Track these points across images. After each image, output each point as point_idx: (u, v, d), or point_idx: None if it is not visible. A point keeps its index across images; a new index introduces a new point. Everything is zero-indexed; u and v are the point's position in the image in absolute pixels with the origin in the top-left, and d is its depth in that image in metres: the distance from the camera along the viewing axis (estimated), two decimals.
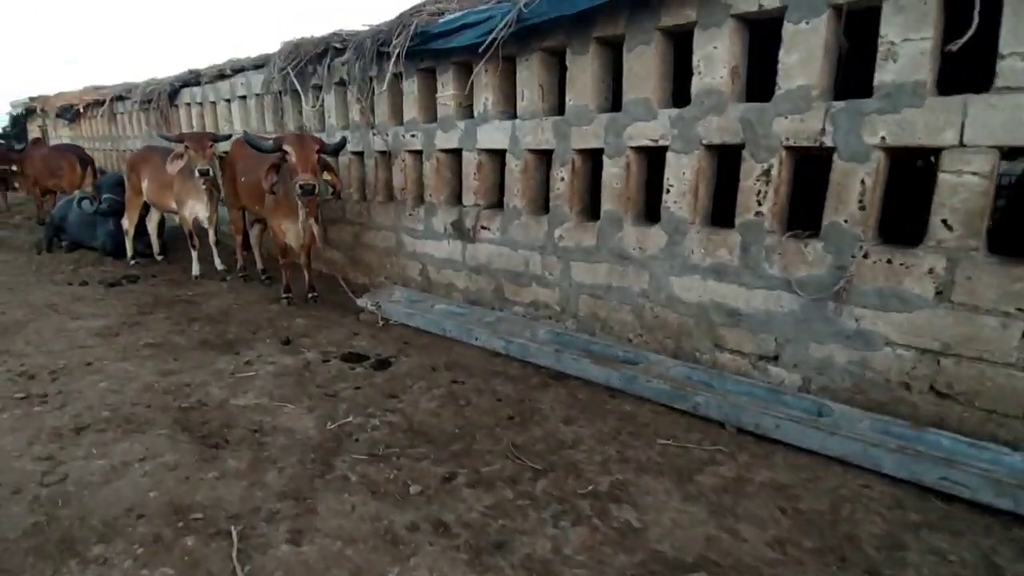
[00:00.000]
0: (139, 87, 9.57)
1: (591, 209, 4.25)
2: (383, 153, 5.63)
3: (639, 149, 3.76)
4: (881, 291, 2.94)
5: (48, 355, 3.91)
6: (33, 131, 15.45)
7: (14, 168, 9.94)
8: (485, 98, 4.54)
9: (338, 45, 5.59)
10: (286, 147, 4.62)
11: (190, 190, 6.14)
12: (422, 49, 4.69)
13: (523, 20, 3.83)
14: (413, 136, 5.21)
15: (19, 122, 16.11)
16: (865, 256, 2.96)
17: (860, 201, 2.95)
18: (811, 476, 2.70)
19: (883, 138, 2.84)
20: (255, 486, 2.50)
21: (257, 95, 7.09)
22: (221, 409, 3.22)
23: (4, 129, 16.98)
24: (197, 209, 6.25)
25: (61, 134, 13.32)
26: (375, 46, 5.10)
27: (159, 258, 7.20)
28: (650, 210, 3.97)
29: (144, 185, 6.56)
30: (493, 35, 3.90)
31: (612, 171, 3.86)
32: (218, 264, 6.68)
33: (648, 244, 3.76)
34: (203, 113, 8.27)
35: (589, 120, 3.92)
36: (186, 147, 5.76)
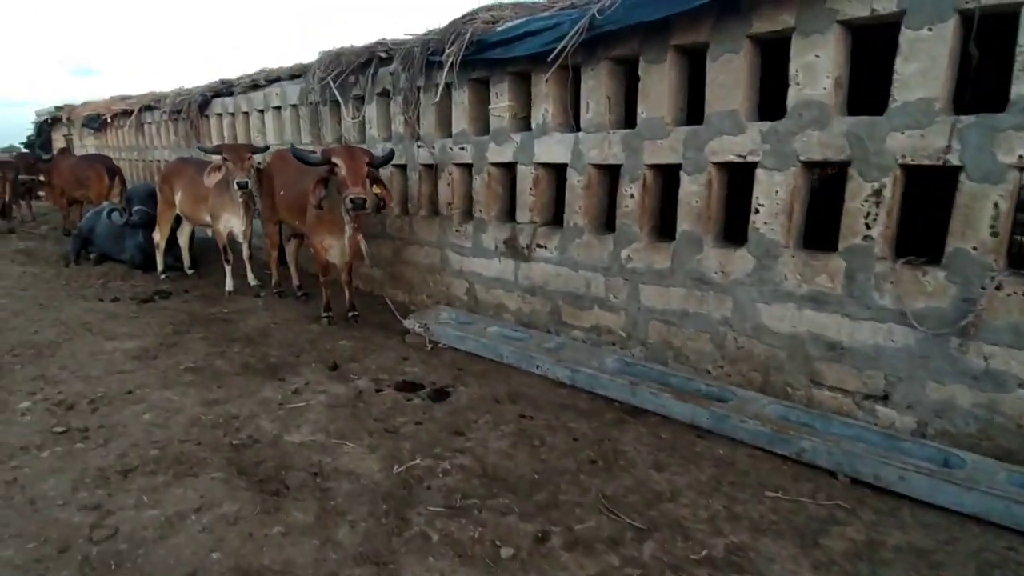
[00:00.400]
0: (168, 97, 9.44)
1: (662, 228, 3.97)
2: (428, 166, 5.39)
3: (722, 165, 3.47)
4: (1016, 327, 2.62)
5: (86, 381, 3.67)
6: (58, 140, 15.46)
7: (40, 178, 9.83)
8: (544, 110, 4.29)
9: (383, 54, 5.37)
10: (335, 160, 4.38)
11: (226, 203, 5.93)
12: (477, 58, 4.45)
13: (596, 28, 3.57)
14: (462, 149, 4.97)
15: (43, 131, 16.12)
16: (998, 288, 2.65)
17: (992, 227, 2.64)
18: (948, 538, 2.38)
19: (1021, 157, 2.54)
20: (327, 545, 2.22)
21: (293, 106, 6.89)
22: (275, 447, 2.95)
23: (29, 138, 17.02)
24: (232, 223, 6.04)
25: (86, 144, 13.26)
26: (424, 55, 4.87)
27: (190, 272, 6.99)
28: (728, 231, 3.68)
29: (177, 198, 6.37)
30: (564, 43, 3.64)
31: (691, 188, 3.57)
32: (251, 279, 6.45)
33: (732, 268, 3.46)
34: (235, 124, 8.10)
35: (665, 134, 3.64)
36: (224, 159, 5.56)
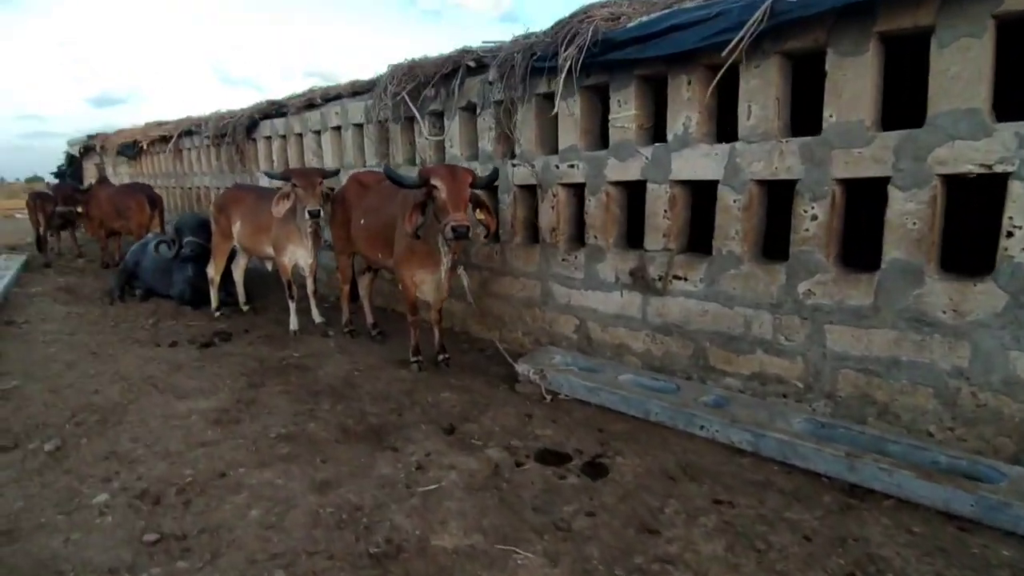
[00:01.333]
0: (209, 120, 8.97)
1: (846, 256, 3.28)
2: (525, 187, 4.76)
3: (951, 177, 2.79)
4: None
5: (167, 459, 3.04)
6: (89, 170, 15.17)
7: (79, 209, 9.39)
8: (686, 118, 3.64)
9: (472, 63, 4.77)
10: (435, 181, 3.76)
11: (291, 234, 5.35)
12: (600, 61, 3.83)
13: (780, 14, 2.93)
14: (571, 167, 4.33)
15: (74, 161, 15.86)
16: None
17: None
18: None
19: None
20: None
21: (356, 125, 6.33)
22: (426, 557, 2.28)
23: (59, 168, 16.77)
24: (298, 255, 5.45)
25: (120, 172, 12.89)
26: (527, 61, 4.26)
27: (245, 309, 6.40)
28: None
29: (235, 228, 5.80)
30: (741, 33, 2.99)
31: (905, 207, 2.89)
32: (316, 317, 5.85)
33: (970, 306, 2.76)
34: (286, 147, 7.57)
35: (865, 140, 2.97)
36: (293, 185, 4.98)
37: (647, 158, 3.87)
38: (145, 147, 10.98)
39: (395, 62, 5.74)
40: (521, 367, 4.00)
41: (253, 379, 4.32)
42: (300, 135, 7.26)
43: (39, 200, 9.82)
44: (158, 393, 3.95)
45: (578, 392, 3.80)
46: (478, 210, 3.97)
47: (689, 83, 3.59)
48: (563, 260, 4.52)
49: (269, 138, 7.85)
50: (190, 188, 10.26)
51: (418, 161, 5.61)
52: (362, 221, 4.72)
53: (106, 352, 4.91)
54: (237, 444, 3.24)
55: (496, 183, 4.46)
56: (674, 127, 3.71)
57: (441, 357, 4.62)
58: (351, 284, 5.44)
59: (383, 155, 6.11)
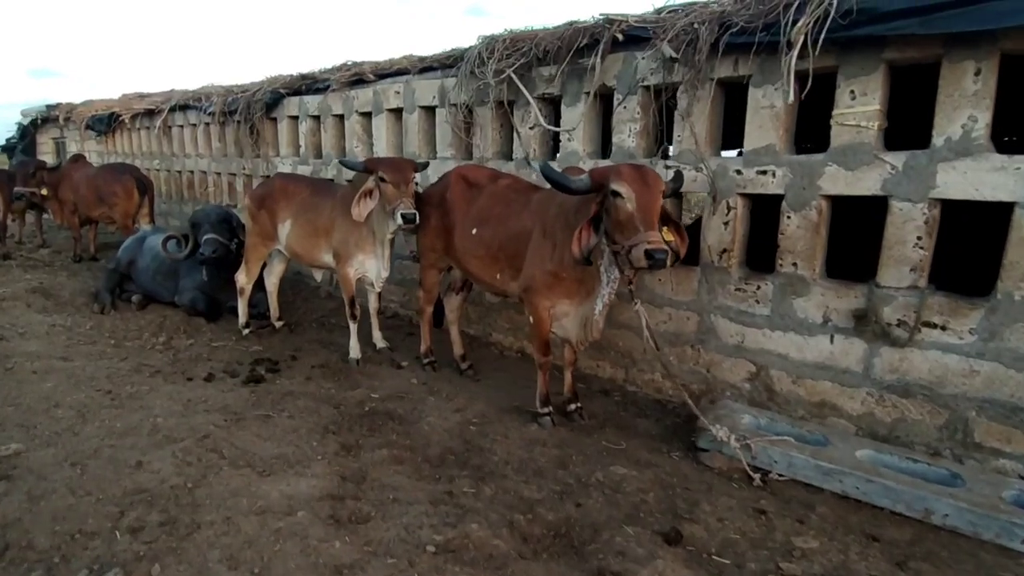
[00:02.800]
0: (213, 94, 7.65)
1: None
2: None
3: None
4: None
5: None
6: (45, 144, 13.37)
7: (43, 192, 7.88)
8: (969, 118, 2.76)
9: (620, 35, 3.78)
10: (618, 186, 2.77)
11: (363, 240, 4.25)
12: (841, 37, 2.91)
13: None
14: (762, 173, 3.41)
15: (27, 133, 13.96)
16: None
17: None
18: None
19: None
20: None
21: (424, 108, 5.23)
22: None
23: (8, 140, 14.80)
24: (368, 267, 4.35)
25: (88, 149, 11.26)
26: (715, 35, 3.31)
27: (278, 325, 5.24)
28: None
29: (283, 229, 4.63)
30: None
31: None
32: (379, 341, 4.75)
33: None
34: (319, 130, 6.37)
35: None
36: (381, 180, 3.89)
37: (894, 168, 2.98)
38: (126, 121, 9.47)
39: (486, 33, 4.72)
40: (718, 432, 3.05)
41: (342, 436, 3.24)
42: (340, 116, 6.09)
43: None
44: (229, 465, 2.82)
45: (802, 472, 2.89)
46: (665, 228, 3.00)
47: (978, 72, 2.72)
48: (737, 290, 3.59)
49: (296, 118, 6.63)
50: (179, 172, 8.86)
51: (519, 156, 4.58)
52: (474, 231, 3.66)
53: (124, 390, 3.71)
54: (387, 566, 2.19)
55: (680, 191, 3.48)
56: (947, 129, 2.83)
57: (573, 407, 3.64)
58: (436, 305, 4.37)
59: (460, 147, 5.05)
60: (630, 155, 3.94)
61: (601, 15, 3.89)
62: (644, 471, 3.00)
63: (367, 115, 5.81)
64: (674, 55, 3.41)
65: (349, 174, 5.37)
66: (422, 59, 5.27)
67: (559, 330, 3.43)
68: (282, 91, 6.53)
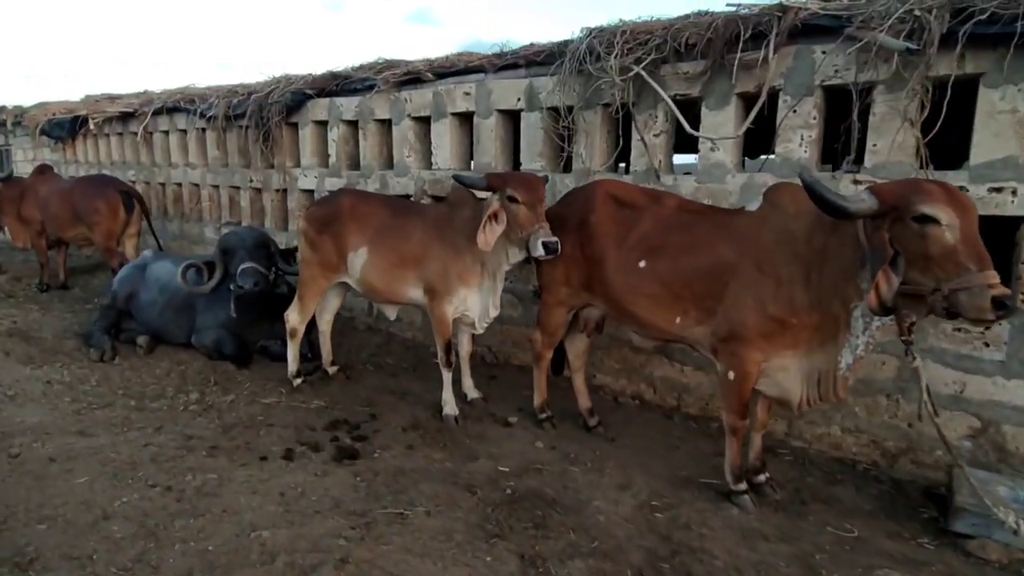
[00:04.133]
0: (212, 96, 6.62)
1: None
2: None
3: None
4: None
5: None
6: None
7: None
8: None
9: (799, 24, 3.14)
10: (933, 209, 2.11)
11: (468, 271, 3.46)
12: None
13: None
14: (996, 190, 2.82)
15: None
16: None
17: None
18: None
19: None
20: None
21: (503, 112, 4.47)
22: None
23: None
24: (471, 303, 3.55)
25: (42, 158, 9.87)
26: (953, 22, 2.72)
27: (331, 370, 4.34)
28: None
29: (355, 258, 3.75)
30: None
31: None
32: (471, 391, 3.95)
33: None
34: (357, 137, 5.49)
35: None
36: (510, 199, 3.11)
37: None
38: (92, 127, 8.23)
39: (591, 24, 4.01)
40: (1004, 516, 2.41)
41: (511, 540, 2.45)
42: (386, 122, 5.24)
43: None
44: None
45: None
46: None
47: None
48: (956, 330, 3.00)
49: (323, 123, 5.72)
50: (162, 184, 7.72)
51: (638, 168, 3.87)
52: (641, 263, 2.92)
53: (186, 482, 2.77)
54: None
55: None
56: None
57: (763, 478, 2.97)
58: (557, 349, 3.59)
59: (552, 159, 4.32)
60: (800, 166, 3.31)
61: (771, 1, 3.26)
62: (917, 574, 2.35)
63: (423, 120, 4.99)
64: (911, 47, 2.78)
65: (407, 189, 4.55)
66: (500, 55, 4.50)
67: (769, 387, 2.74)
68: (309, 92, 5.61)
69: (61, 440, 3.14)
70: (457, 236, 3.48)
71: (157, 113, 7.25)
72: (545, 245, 3.02)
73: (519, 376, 4.44)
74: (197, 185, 7.22)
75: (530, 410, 3.77)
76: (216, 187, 6.98)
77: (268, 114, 5.94)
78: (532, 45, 4.35)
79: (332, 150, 5.65)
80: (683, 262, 2.82)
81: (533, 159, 4.35)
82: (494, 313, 3.56)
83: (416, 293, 3.67)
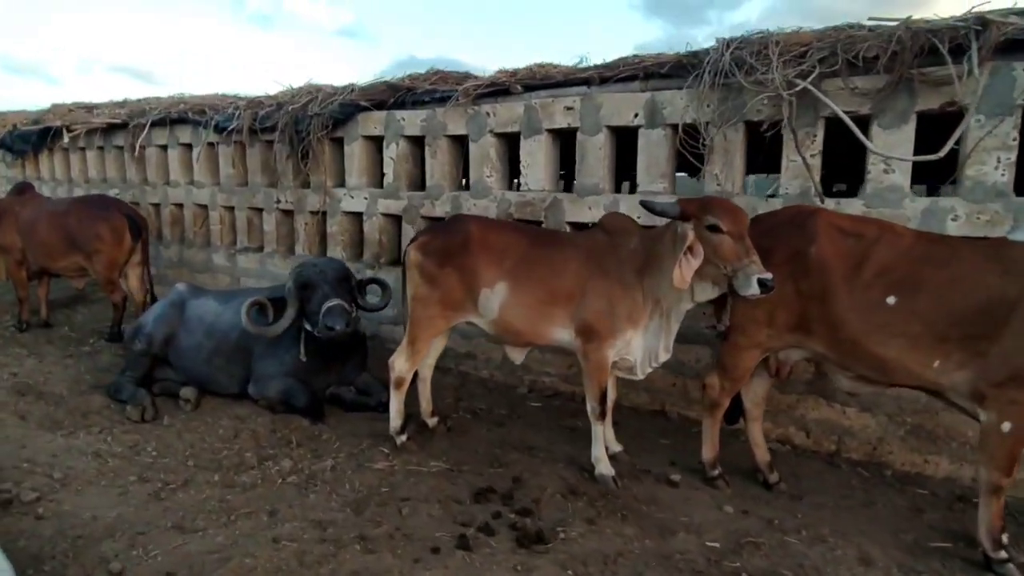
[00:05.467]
0: (232, 106, 5.88)
1: None
2: None
3: None
4: None
5: None
6: None
7: None
8: None
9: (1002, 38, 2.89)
10: None
11: (638, 310, 3.00)
12: None
13: None
14: None
15: None
16: None
17: None
18: None
19: None
20: None
21: (615, 128, 4.05)
22: None
23: None
24: (634, 346, 3.09)
25: None
26: None
27: (432, 422, 3.74)
28: None
29: (491, 296, 3.19)
30: None
31: None
32: (613, 444, 3.44)
33: None
34: (419, 154, 4.94)
35: None
36: (711, 229, 2.68)
37: None
38: (67, 140, 7.20)
39: (722, 35, 3.67)
40: None
41: None
42: (459, 138, 4.72)
43: None
44: None
45: None
46: None
47: None
48: None
49: (377, 139, 5.12)
50: (156, 205, 6.83)
51: (790, 191, 3.53)
52: (890, 300, 2.55)
53: None
54: None
55: None
56: None
57: (998, 558, 2.61)
58: (735, 398, 3.16)
59: (668, 177, 3.93)
60: (998, 192, 3.06)
61: (970, 13, 3.00)
62: None
63: (509, 137, 4.50)
64: None
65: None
66: (609, 65, 4.10)
67: None
68: (364, 104, 5.00)
69: (164, 542, 2.44)
70: (623, 269, 3.02)
71: (160, 124, 6.39)
72: (762, 283, 2.60)
73: (635, 421, 4.00)
74: (204, 206, 6.40)
75: (685, 463, 3.34)
76: (230, 208, 6.20)
77: (307, 128, 5.28)
78: (651, 56, 3.97)
79: (388, 168, 5.06)
80: (950, 298, 2.47)
81: (652, 180, 3.95)
82: (664, 357, 3.10)
83: (564, 334, 3.16)
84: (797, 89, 3.29)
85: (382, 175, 5.17)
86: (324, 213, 5.49)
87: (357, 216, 5.35)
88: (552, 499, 2.95)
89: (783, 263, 2.77)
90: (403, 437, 3.52)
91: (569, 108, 4.19)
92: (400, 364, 3.47)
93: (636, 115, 3.95)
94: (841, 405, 3.53)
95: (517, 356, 3.49)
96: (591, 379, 3.13)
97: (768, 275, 2.61)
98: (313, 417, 3.86)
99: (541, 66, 4.53)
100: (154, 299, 5.57)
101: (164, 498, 2.83)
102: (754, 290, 2.61)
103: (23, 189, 5.89)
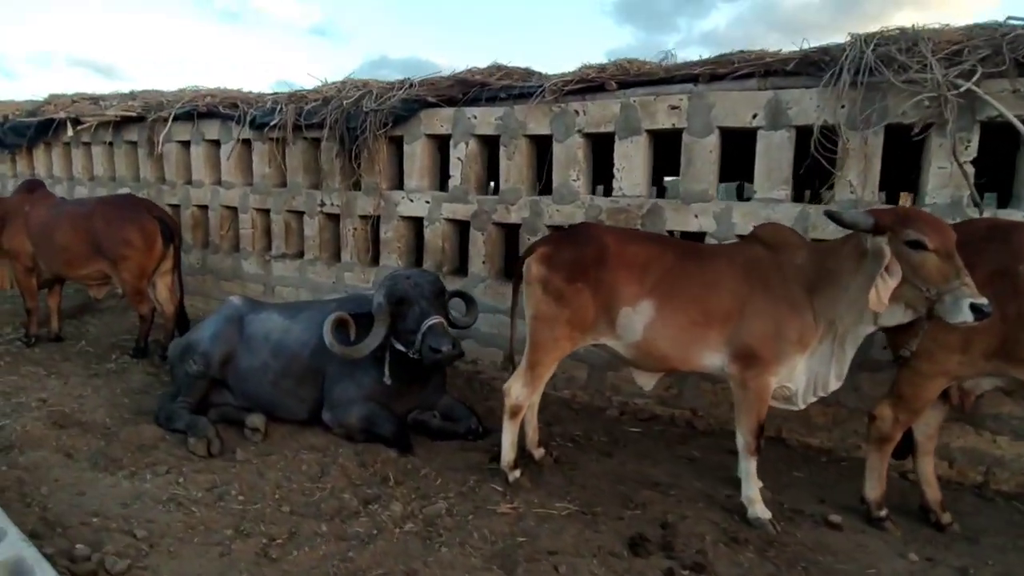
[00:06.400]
0: (272, 99, 5.40)
1: None
2: None
3: None
4: None
5: None
6: None
7: None
8: None
9: None
10: None
11: (809, 333, 2.68)
12: None
13: None
14: None
15: None
16: None
17: None
18: None
19: None
20: None
21: (729, 129, 3.72)
22: None
23: None
24: (799, 372, 2.75)
25: None
26: None
27: (538, 454, 3.34)
28: None
29: (633, 316, 2.81)
30: None
31: None
32: (751, 482, 3.10)
33: None
34: (489, 154, 4.55)
35: None
36: (912, 245, 2.36)
37: None
38: (71, 133, 6.58)
39: (857, 31, 3.38)
40: None
41: None
42: (540, 138, 4.34)
43: None
44: None
45: None
46: None
47: None
48: None
49: (443, 137, 4.71)
50: (175, 206, 6.27)
51: (939, 200, 3.25)
52: None
53: None
54: None
55: None
56: None
57: None
58: (907, 433, 2.84)
59: (790, 183, 3.63)
60: None
61: None
62: None
63: (601, 137, 4.14)
64: None
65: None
66: (719, 60, 3.77)
67: None
68: (432, 100, 4.58)
69: None
70: (790, 286, 2.69)
71: (184, 118, 5.85)
72: (976, 308, 2.29)
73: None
74: (233, 208, 5.88)
75: (833, 501, 3.02)
76: (263, 211, 5.70)
77: (360, 125, 4.84)
78: (771, 52, 3.66)
79: (455, 170, 4.65)
80: None
81: (775, 187, 3.63)
82: (834, 386, 2.77)
83: (716, 359, 2.81)
84: (961, 90, 3.01)
85: (444, 177, 4.77)
86: (377, 218, 5.05)
87: (416, 221, 4.93)
88: (717, 549, 2.59)
89: (984, 283, 2.47)
90: (516, 473, 3.12)
91: (674, 107, 3.85)
92: (517, 391, 3.06)
93: (755, 116, 3.63)
94: (991, 433, 3.26)
95: (648, 382, 3.12)
96: (749, 410, 2.79)
97: (983, 300, 2.30)
98: (401, 447, 3.43)
99: (630, 61, 4.20)
100: (183, 310, 5.08)
101: (276, 558, 2.38)
102: (966, 316, 2.30)
103: (33, 187, 5.28)
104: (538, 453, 3.37)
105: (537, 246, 3.10)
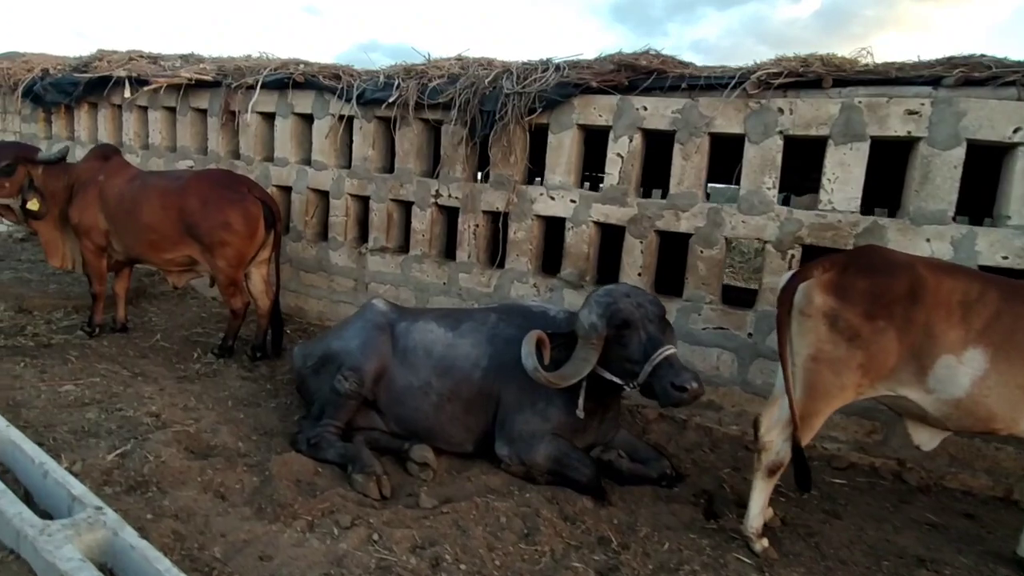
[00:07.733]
0: (381, 73, 4.75)
1: None
2: None
3: None
4: None
5: None
6: None
7: (35, 206, 4.28)
8: None
9: None
10: None
11: None
12: None
13: None
14: None
15: None
16: None
17: None
18: None
19: None
20: None
21: (976, 141, 3.23)
22: None
23: None
24: None
25: (8, 128, 7.11)
26: None
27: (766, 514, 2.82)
28: None
29: (956, 366, 2.28)
30: None
31: None
32: None
33: None
34: (652, 150, 3.98)
35: None
36: None
37: None
38: (127, 94, 5.83)
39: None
40: None
41: None
42: (726, 137, 3.78)
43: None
44: None
45: None
46: None
47: None
48: None
49: (600, 129, 4.12)
50: (280, 188, 5.55)
51: None
52: None
53: None
54: None
55: None
56: None
57: None
58: None
59: None
60: None
61: None
62: None
63: (810, 141, 3.61)
64: None
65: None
66: (972, 63, 3.27)
67: None
68: (593, 84, 3.99)
69: None
70: None
71: (274, 86, 5.15)
72: None
73: (977, 508, 3.18)
74: (322, 192, 5.22)
75: None
76: (361, 198, 5.05)
77: (498, 108, 4.23)
78: None
79: (613, 167, 4.07)
80: None
81: None
82: None
83: None
84: None
85: (590, 174, 4.19)
86: (504, 215, 4.45)
87: (555, 222, 4.35)
88: None
89: None
90: (764, 542, 2.59)
91: (912, 112, 3.33)
92: (780, 443, 2.53)
93: (1017, 130, 3.14)
94: None
95: (932, 441, 2.59)
96: None
97: None
98: (596, 494, 2.88)
99: (842, 58, 3.67)
100: (277, 306, 4.44)
101: None
102: None
103: (107, 153, 4.54)
104: (767, 514, 2.83)
105: (813, 270, 2.55)
